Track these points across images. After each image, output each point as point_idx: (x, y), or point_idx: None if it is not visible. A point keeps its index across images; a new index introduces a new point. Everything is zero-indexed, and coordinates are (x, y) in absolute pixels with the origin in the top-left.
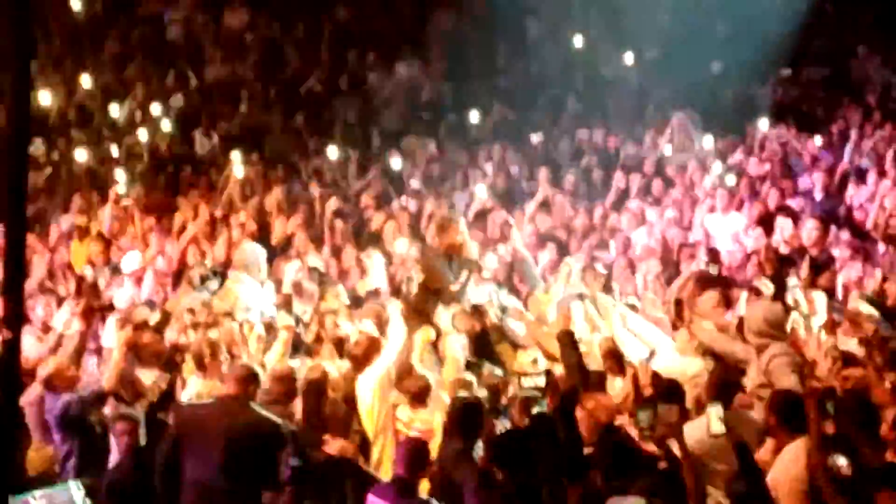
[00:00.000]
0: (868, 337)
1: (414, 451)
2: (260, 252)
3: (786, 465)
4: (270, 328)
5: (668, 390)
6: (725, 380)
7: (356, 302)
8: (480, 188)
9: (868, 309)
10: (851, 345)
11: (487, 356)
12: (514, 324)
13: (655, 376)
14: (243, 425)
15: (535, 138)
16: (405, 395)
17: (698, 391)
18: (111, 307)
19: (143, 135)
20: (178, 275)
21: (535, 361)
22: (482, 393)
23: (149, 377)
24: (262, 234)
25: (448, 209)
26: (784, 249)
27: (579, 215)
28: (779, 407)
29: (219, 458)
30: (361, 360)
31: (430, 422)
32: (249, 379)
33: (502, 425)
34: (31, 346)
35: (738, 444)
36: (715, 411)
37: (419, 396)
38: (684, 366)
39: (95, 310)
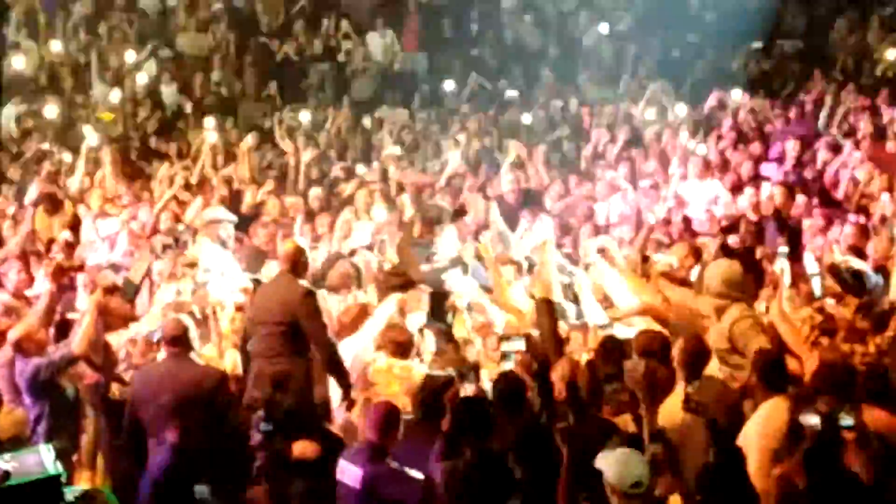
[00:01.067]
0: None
1: (385, 416)
2: (223, 215)
3: (760, 421)
4: (241, 308)
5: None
6: (697, 350)
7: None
8: (454, 156)
9: (859, 264)
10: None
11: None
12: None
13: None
14: (186, 379)
15: (509, 108)
16: (389, 344)
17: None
18: (81, 267)
19: (115, 97)
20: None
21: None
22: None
23: (115, 341)
24: (233, 201)
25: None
26: (752, 216)
27: (554, 183)
28: (761, 366)
29: (168, 414)
30: (348, 327)
31: (409, 369)
32: (182, 332)
33: (466, 390)
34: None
35: (710, 421)
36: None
37: (402, 347)
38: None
39: (66, 269)
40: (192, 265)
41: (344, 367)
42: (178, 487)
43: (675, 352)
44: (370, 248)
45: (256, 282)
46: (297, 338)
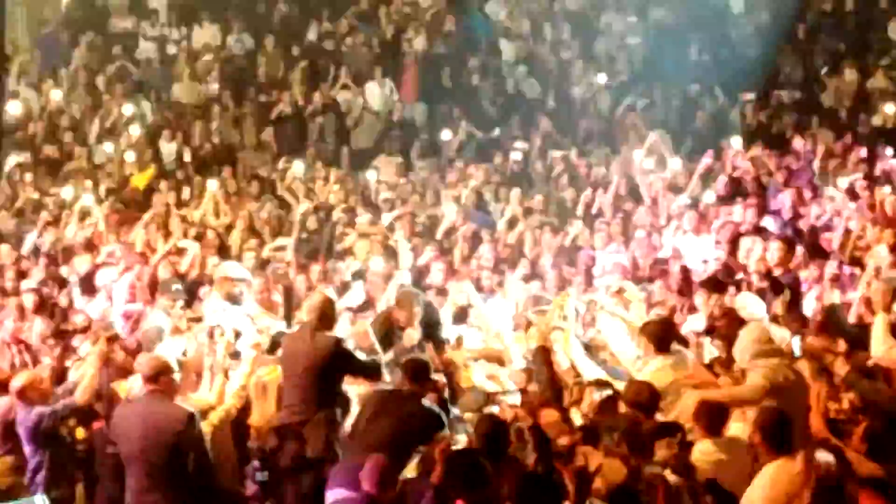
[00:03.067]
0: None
1: (382, 470)
2: (238, 272)
3: (764, 483)
4: (239, 334)
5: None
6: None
7: None
8: (450, 208)
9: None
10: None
11: None
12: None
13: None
14: (153, 419)
15: (507, 158)
16: None
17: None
18: (85, 329)
19: (110, 149)
20: (153, 289)
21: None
22: None
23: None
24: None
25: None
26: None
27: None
28: (764, 425)
29: (138, 454)
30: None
31: None
32: (161, 370)
33: (457, 440)
34: None
35: (709, 482)
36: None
37: None
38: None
39: (68, 333)
40: (199, 320)
41: None
42: None
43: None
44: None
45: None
46: (323, 388)
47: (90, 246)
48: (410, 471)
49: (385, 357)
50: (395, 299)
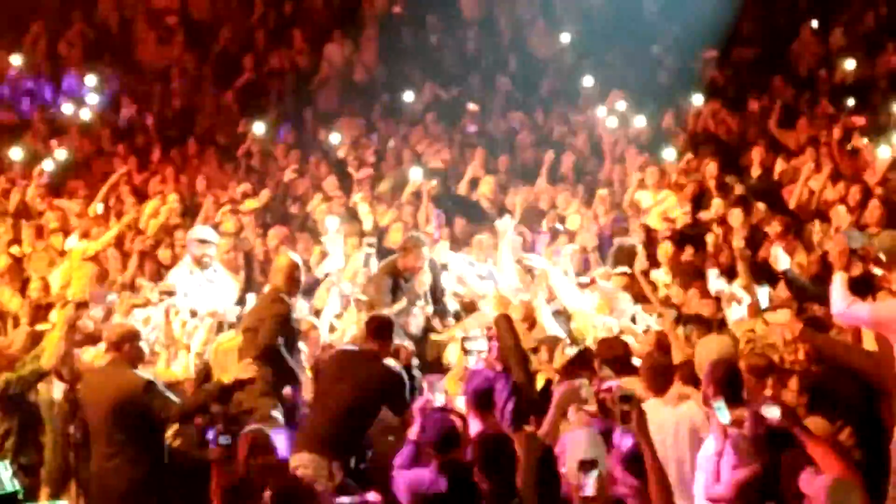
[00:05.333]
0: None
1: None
2: (211, 235)
3: None
4: (195, 313)
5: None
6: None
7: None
8: (415, 171)
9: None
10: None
11: None
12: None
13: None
14: (113, 386)
15: (470, 119)
16: None
17: None
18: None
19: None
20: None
21: None
22: None
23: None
24: (189, 214)
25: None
26: (717, 230)
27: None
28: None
29: (102, 421)
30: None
31: None
32: (125, 339)
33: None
34: None
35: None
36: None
37: None
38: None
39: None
40: (171, 293)
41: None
42: None
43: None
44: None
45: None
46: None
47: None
48: None
49: (396, 307)
50: (401, 246)
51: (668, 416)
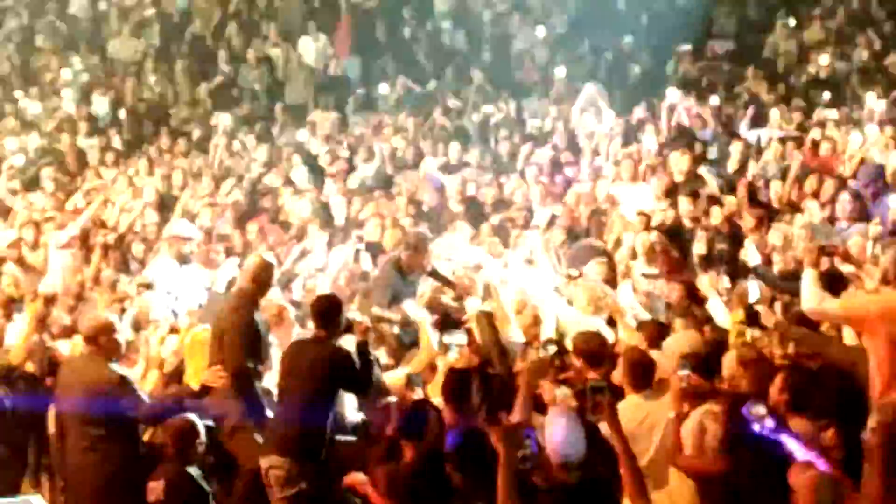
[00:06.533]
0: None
1: None
2: (188, 231)
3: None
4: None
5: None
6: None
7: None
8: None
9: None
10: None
11: None
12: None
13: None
14: (86, 381)
15: (444, 111)
16: None
17: None
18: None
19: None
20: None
21: None
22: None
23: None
24: (165, 207)
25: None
26: (688, 224)
27: (488, 187)
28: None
29: (74, 414)
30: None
31: None
32: (101, 331)
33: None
34: None
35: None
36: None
37: None
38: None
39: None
40: (148, 286)
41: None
42: None
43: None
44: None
45: None
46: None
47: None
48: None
49: (391, 313)
50: (407, 243)
51: (649, 411)
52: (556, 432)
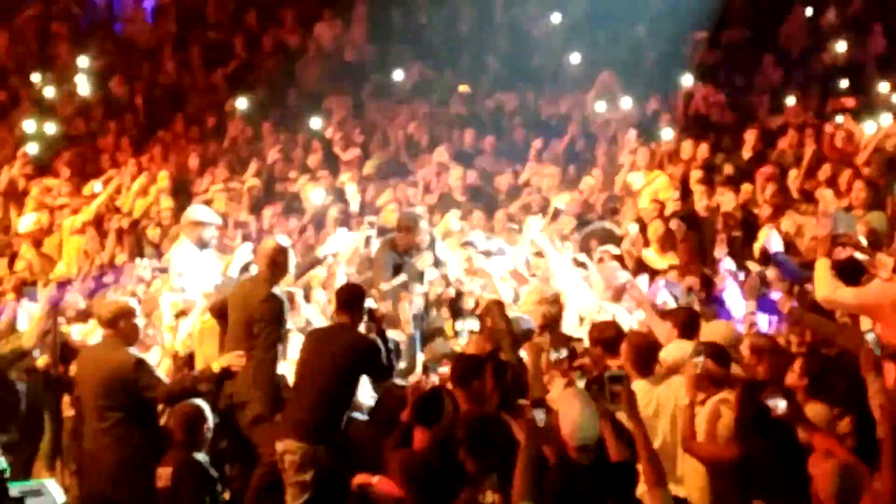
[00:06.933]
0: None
1: None
2: (207, 216)
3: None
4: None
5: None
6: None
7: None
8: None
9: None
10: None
11: None
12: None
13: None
14: (105, 365)
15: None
16: None
17: None
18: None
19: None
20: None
21: None
22: None
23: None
24: (181, 193)
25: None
26: (703, 213)
27: (503, 175)
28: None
29: (94, 399)
30: None
31: None
32: (120, 315)
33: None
34: None
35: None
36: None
37: None
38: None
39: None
40: (164, 270)
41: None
42: None
43: None
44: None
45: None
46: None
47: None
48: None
49: (395, 281)
50: (396, 223)
51: (655, 396)
52: (570, 414)
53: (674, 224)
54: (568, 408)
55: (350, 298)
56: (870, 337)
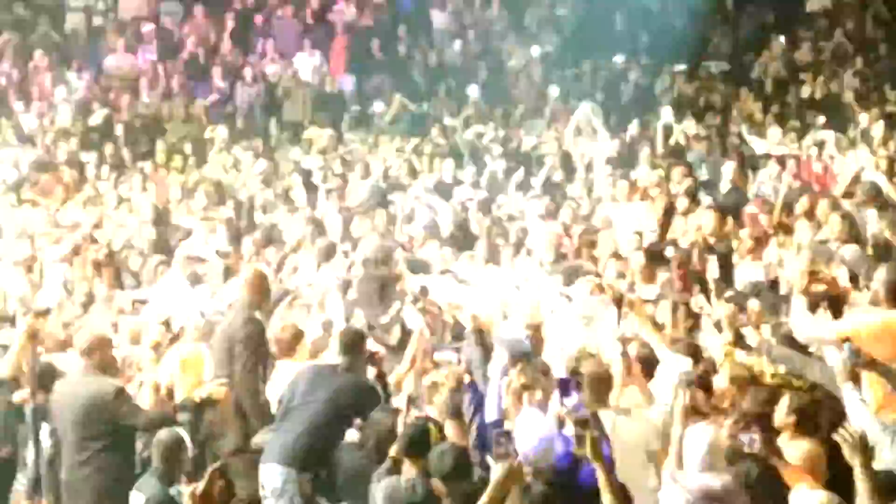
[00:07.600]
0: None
1: None
2: (201, 253)
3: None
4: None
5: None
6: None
7: None
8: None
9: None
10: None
11: None
12: None
13: None
14: (84, 394)
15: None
16: None
17: None
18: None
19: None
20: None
21: None
22: None
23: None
24: (160, 222)
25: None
26: (683, 243)
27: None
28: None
29: (72, 428)
30: (285, 349)
31: None
32: (96, 346)
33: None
34: None
35: None
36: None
37: None
38: None
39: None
40: (143, 302)
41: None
42: None
43: None
44: None
45: None
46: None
47: None
48: None
49: (386, 317)
50: (375, 258)
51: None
52: (528, 438)
53: (670, 252)
54: (525, 431)
55: (351, 342)
56: (845, 347)
